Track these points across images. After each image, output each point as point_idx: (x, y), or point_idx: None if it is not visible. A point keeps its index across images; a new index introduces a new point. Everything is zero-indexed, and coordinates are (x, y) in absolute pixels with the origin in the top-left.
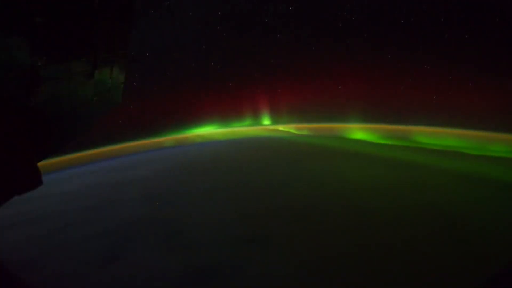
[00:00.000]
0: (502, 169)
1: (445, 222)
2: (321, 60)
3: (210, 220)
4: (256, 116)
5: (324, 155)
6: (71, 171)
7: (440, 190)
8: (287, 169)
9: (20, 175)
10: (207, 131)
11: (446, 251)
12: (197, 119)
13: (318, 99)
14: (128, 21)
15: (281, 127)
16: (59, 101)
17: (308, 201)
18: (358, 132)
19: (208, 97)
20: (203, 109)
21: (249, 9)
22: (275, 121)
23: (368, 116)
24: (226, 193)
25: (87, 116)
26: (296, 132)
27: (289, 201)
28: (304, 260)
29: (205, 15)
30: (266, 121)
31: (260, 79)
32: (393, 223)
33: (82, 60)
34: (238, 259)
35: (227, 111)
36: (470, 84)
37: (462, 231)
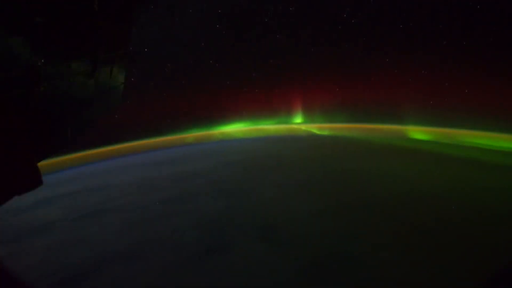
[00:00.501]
0: None
1: None
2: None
3: (300, 215)
4: (278, 115)
5: (382, 153)
6: (113, 163)
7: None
8: (354, 165)
9: (20, 175)
10: (229, 129)
11: None
12: (219, 116)
13: (345, 99)
14: (129, 21)
15: (303, 127)
16: (59, 101)
17: (394, 197)
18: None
19: (231, 95)
20: (225, 107)
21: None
22: (296, 120)
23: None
24: (305, 187)
25: (87, 116)
26: (318, 132)
27: (374, 196)
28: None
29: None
30: (288, 120)
31: (279, 78)
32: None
33: (82, 60)
34: (344, 254)
35: (249, 109)
36: None
37: None
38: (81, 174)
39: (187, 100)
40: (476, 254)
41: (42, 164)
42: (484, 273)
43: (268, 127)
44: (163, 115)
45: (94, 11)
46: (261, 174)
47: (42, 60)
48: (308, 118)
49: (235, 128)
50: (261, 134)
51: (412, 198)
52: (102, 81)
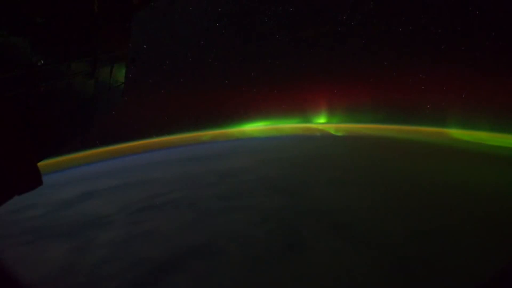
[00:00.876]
0: None
1: None
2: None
3: (371, 214)
4: (296, 115)
5: (428, 154)
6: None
7: None
8: (410, 166)
9: (20, 175)
10: (248, 127)
11: None
12: (239, 115)
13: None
14: (128, 22)
15: (320, 127)
16: (59, 101)
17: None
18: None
19: (252, 95)
20: (245, 106)
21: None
22: (314, 120)
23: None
24: (358, 185)
25: (88, 116)
26: (334, 132)
27: (444, 195)
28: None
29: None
30: (305, 120)
31: (296, 79)
32: None
33: (82, 60)
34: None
35: (270, 108)
36: None
37: None
38: (113, 169)
39: (203, 99)
40: None
41: (42, 164)
42: None
43: (285, 126)
44: (180, 113)
45: (94, 12)
46: (305, 171)
47: (42, 61)
48: (324, 118)
49: (252, 127)
50: (277, 133)
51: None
52: (102, 81)
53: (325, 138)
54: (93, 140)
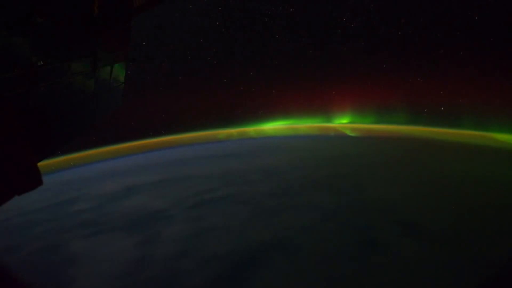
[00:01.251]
0: None
1: None
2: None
3: (436, 212)
4: (312, 115)
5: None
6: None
7: None
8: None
9: (20, 175)
10: (266, 126)
11: None
12: (256, 114)
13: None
14: (128, 22)
15: (338, 127)
16: (59, 101)
17: None
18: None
19: (271, 94)
20: (263, 105)
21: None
22: (331, 120)
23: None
24: (424, 185)
25: (88, 116)
26: (350, 133)
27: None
28: None
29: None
30: (326, 119)
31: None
32: None
33: (82, 60)
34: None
35: (288, 108)
36: None
37: None
38: (141, 165)
39: (222, 98)
40: None
41: (42, 164)
42: None
43: (301, 126)
44: (197, 111)
45: (94, 13)
46: (347, 170)
47: (41, 62)
48: (337, 119)
49: (271, 126)
50: (294, 133)
51: None
52: (102, 81)
53: (340, 137)
54: (119, 136)
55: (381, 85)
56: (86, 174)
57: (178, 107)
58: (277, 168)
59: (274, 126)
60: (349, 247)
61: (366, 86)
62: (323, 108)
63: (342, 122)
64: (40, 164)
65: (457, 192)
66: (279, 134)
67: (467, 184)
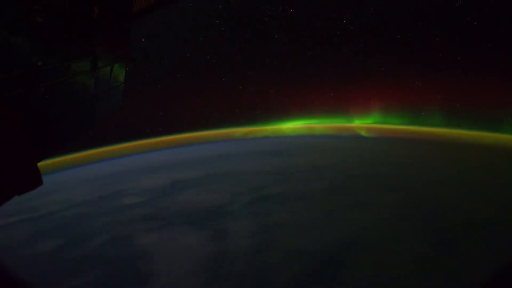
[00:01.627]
0: None
1: None
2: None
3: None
4: (329, 115)
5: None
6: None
7: None
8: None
9: (20, 175)
10: (282, 126)
11: None
12: (270, 113)
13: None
14: (128, 21)
15: (355, 127)
16: (59, 101)
17: None
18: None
19: (286, 94)
20: (278, 104)
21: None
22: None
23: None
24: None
25: (88, 116)
26: (365, 134)
27: None
28: None
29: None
30: (342, 120)
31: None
32: None
33: (82, 60)
34: None
35: (302, 107)
36: None
37: None
38: (178, 160)
39: (239, 97)
40: None
41: (42, 164)
42: None
43: (317, 126)
44: (215, 109)
45: (94, 13)
46: (395, 171)
47: (41, 62)
48: (354, 119)
49: (288, 126)
50: (311, 132)
51: None
52: (103, 80)
53: (358, 138)
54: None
55: (411, 86)
56: (117, 168)
57: (197, 105)
58: (321, 166)
59: (292, 125)
60: (430, 247)
61: (392, 87)
62: (344, 108)
63: (366, 122)
64: (40, 164)
65: None
66: (296, 133)
67: None
